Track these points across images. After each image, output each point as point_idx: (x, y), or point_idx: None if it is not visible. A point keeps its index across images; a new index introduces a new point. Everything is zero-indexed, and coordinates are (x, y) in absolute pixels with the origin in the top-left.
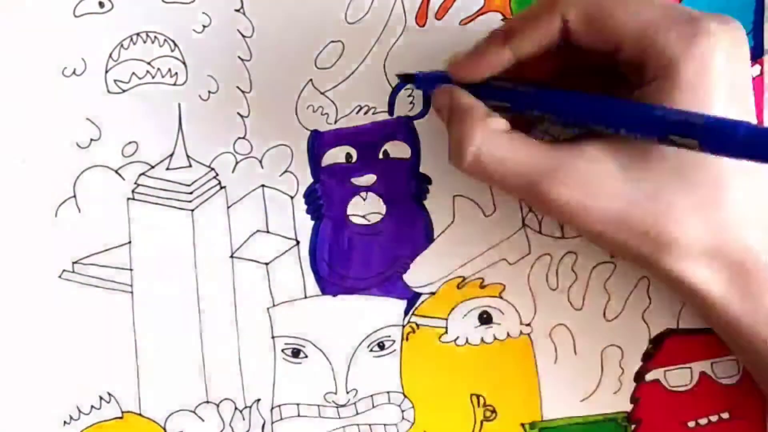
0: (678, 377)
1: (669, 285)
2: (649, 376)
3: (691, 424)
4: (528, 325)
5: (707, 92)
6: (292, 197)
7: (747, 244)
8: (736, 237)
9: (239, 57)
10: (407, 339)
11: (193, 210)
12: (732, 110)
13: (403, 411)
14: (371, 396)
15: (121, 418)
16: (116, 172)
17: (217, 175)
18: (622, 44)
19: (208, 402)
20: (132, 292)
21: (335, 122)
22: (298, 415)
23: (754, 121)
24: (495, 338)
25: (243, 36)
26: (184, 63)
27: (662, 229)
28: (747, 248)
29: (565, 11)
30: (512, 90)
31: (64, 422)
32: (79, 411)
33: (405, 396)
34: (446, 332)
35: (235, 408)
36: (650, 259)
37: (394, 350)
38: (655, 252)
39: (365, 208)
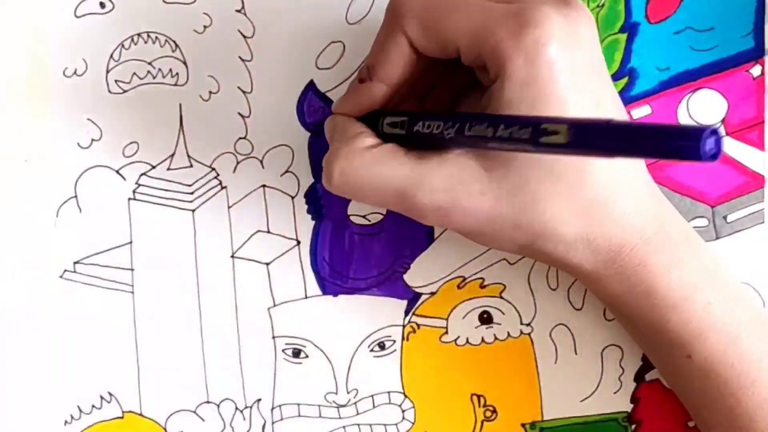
0: None
1: (558, 267)
2: (650, 376)
3: (692, 424)
4: (528, 325)
5: (542, 85)
6: (292, 197)
7: (619, 225)
8: (608, 219)
9: (240, 57)
10: (408, 339)
11: (193, 210)
12: (581, 98)
13: (403, 411)
14: (372, 396)
15: (121, 417)
16: (117, 172)
17: (218, 175)
18: (460, 50)
19: (208, 402)
20: (133, 292)
21: None
22: (299, 415)
23: (611, 105)
24: (495, 338)
25: (244, 36)
26: (185, 63)
27: (532, 219)
28: (620, 229)
29: (405, 27)
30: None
31: (65, 422)
32: (80, 410)
33: (405, 396)
34: (446, 332)
35: (236, 408)
36: (531, 248)
37: (395, 350)
38: (532, 241)
39: (366, 208)
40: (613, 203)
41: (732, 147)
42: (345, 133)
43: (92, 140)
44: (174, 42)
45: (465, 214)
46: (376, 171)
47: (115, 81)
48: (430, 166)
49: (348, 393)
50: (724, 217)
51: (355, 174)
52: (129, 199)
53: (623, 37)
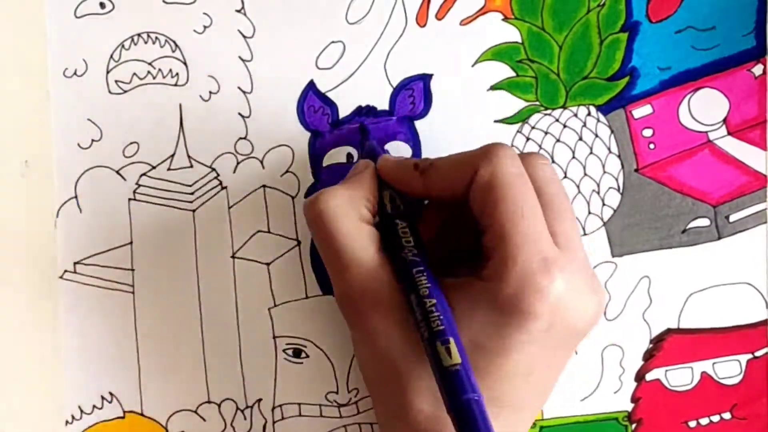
0: (679, 377)
1: None
2: (650, 376)
3: (692, 424)
4: None
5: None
6: (293, 197)
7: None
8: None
9: (240, 57)
10: None
11: (194, 210)
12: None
13: None
14: None
15: (122, 417)
16: (117, 172)
17: (218, 175)
18: None
19: (209, 402)
20: (133, 293)
21: (336, 122)
22: (300, 415)
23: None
24: None
25: (244, 36)
26: (185, 63)
27: None
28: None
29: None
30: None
31: (66, 422)
32: (81, 411)
33: None
34: None
35: (237, 408)
36: None
37: None
38: None
39: None
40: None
41: (734, 146)
42: (361, 184)
43: (92, 140)
44: (174, 42)
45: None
46: (342, 234)
47: (116, 81)
48: (371, 267)
49: (349, 392)
50: (726, 217)
51: (330, 216)
52: (129, 199)
53: (624, 36)
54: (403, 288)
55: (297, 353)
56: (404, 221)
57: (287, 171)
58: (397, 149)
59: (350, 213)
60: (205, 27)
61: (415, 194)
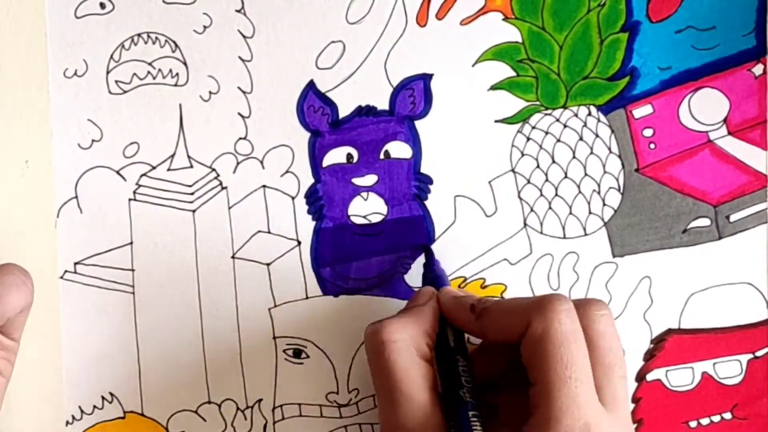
0: (680, 377)
1: None
2: (651, 376)
3: (693, 424)
4: None
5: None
6: (293, 198)
7: None
8: None
9: (240, 57)
10: None
11: (194, 210)
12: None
13: None
14: (373, 396)
15: (123, 418)
16: (118, 172)
17: (218, 175)
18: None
19: (209, 402)
20: (134, 293)
21: (336, 122)
22: (300, 415)
23: None
24: None
25: (244, 36)
26: (185, 63)
27: None
28: None
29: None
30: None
31: (67, 422)
32: (82, 411)
33: None
34: None
35: (237, 408)
36: None
37: None
38: None
39: (366, 209)
40: None
41: (734, 146)
42: (425, 318)
43: (93, 141)
44: (174, 42)
45: None
46: (401, 369)
47: (116, 81)
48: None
49: (349, 393)
50: (727, 217)
51: (391, 349)
52: (129, 199)
53: (624, 36)
54: (453, 426)
55: (297, 353)
56: (465, 359)
57: (287, 171)
58: (398, 149)
59: (411, 349)
60: (205, 27)
61: (471, 334)
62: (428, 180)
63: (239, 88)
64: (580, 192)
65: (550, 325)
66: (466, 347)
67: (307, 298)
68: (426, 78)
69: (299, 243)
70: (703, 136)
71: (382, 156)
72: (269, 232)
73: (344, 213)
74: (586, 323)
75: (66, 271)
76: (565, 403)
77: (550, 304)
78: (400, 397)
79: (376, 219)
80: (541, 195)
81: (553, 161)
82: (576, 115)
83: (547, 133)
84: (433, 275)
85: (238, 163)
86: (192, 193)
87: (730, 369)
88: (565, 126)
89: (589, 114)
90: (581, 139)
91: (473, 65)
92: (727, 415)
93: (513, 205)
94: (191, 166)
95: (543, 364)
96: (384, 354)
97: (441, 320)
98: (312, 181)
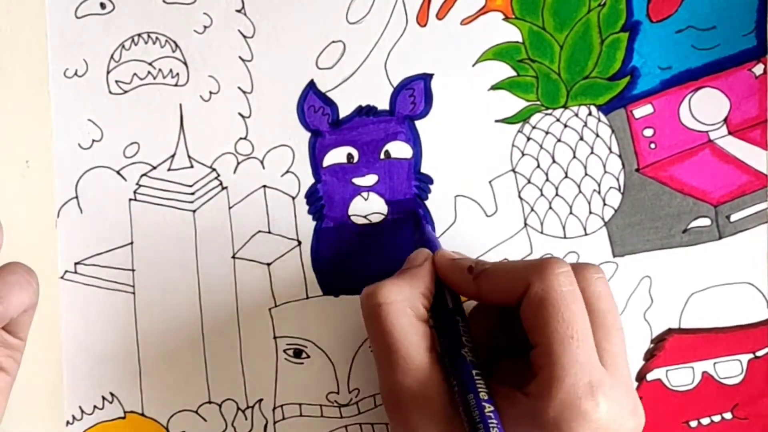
0: (680, 377)
1: None
2: (651, 376)
3: (693, 423)
4: None
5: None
6: (293, 198)
7: None
8: None
9: (240, 57)
10: None
11: (194, 210)
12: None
13: None
14: (373, 395)
15: (123, 418)
16: (118, 172)
17: (218, 175)
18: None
19: (210, 402)
20: (134, 293)
21: (337, 122)
22: (301, 415)
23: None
24: None
25: (244, 36)
26: (185, 63)
27: None
28: None
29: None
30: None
31: (67, 422)
32: (82, 411)
33: None
34: None
35: (237, 408)
36: None
37: None
38: None
39: (367, 209)
40: None
41: (734, 146)
42: (421, 279)
43: (93, 141)
44: (174, 42)
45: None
46: (398, 331)
47: (116, 81)
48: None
49: (349, 392)
50: (727, 217)
51: (387, 311)
52: (130, 199)
53: (625, 36)
54: (456, 387)
55: (298, 353)
56: (464, 320)
57: (287, 171)
58: (398, 149)
59: (408, 310)
60: (205, 27)
61: (467, 296)
62: (428, 180)
63: (239, 88)
64: (580, 192)
65: (549, 286)
66: (463, 309)
67: (307, 298)
68: (426, 78)
69: (299, 243)
70: (703, 135)
71: (382, 156)
72: (269, 232)
73: (344, 213)
74: (584, 285)
75: (66, 271)
76: (568, 363)
77: (550, 266)
78: (399, 359)
79: (376, 219)
80: (542, 195)
81: (554, 161)
82: (576, 114)
83: (547, 132)
84: (425, 238)
85: (238, 163)
86: (192, 193)
87: (730, 369)
88: (565, 126)
89: (590, 114)
90: (582, 138)
91: (473, 65)
92: (728, 415)
93: (513, 204)
94: (191, 166)
95: (544, 325)
96: (380, 316)
97: (438, 282)
98: (312, 181)
